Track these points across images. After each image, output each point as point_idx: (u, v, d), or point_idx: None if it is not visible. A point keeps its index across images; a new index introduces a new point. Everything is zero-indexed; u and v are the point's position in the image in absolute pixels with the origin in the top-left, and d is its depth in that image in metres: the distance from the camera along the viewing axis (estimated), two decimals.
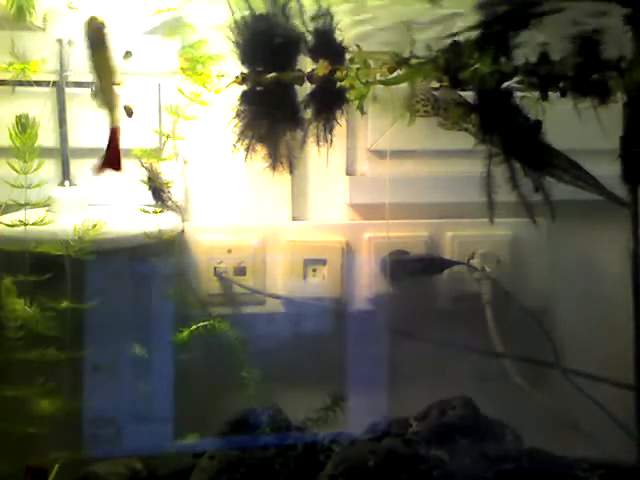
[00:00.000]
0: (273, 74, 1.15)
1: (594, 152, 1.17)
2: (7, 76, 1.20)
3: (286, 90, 1.17)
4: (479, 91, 1.10)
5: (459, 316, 1.38)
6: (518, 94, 1.11)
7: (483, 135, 1.10)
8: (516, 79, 1.10)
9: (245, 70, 1.17)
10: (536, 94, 1.09)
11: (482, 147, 1.11)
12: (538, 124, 1.10)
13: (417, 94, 1.12)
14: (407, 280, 1.37)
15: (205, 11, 1.20)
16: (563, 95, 1.09)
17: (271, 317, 1.37)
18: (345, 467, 1.09)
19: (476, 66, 1.08)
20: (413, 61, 1.11)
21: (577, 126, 1.10)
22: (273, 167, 1.20)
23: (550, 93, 1.10)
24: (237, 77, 1.17)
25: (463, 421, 1.18)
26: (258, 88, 1.17)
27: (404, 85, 1.14)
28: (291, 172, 1.23)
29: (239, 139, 1.19)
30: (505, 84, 1.10)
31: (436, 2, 1.07)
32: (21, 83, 1.21)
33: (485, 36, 1.07)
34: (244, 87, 1.18)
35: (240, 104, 1.18)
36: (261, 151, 1.19)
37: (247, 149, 1.19)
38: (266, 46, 1.14)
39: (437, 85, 1.13)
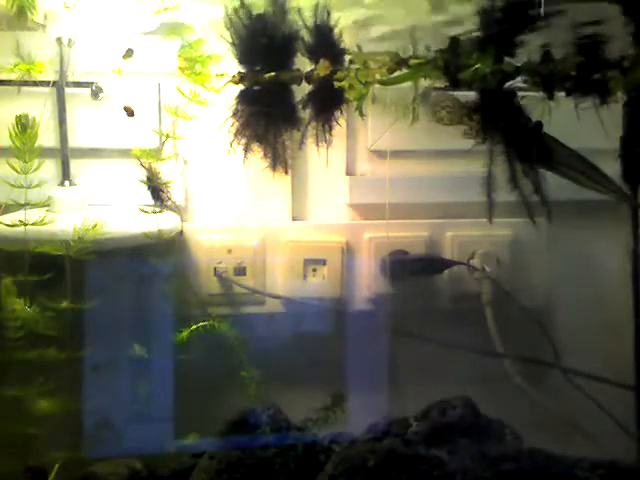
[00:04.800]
0: (270, 74, 1.15)
1: (594, 152, 1.17)
2: (9, 76, 1.20)
3: (283, 90, 1.17)
4: (481, 91, 1.10)
5: (459, 316, 1.38)
6: (519, 94, 1.11)
7: (484, 135, 1.10)
8: (519, 79, 1.10)
9: (242, 69, 1.17)
10: (540, 94, 1.09)
11: (482, 147, 1.11)
12: (539, 124, 1.10)
13: (441, 101, 1.12)
14: (407, 280, 1.37)
15: (204, 10, 1.20)
16: (568, 94, 1.09)
17: (271, 317, 1.37)
18: (345, 467, 1.09)
19: (476, 66, 1.08)
20: (413, 62, 1.11)
21: (577, 126, 1.10)
22: (273, 167, 1.20)
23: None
24: (233, 76, 1.17)
25: (463, 421, 1.18)
26: (255, 87, 1.17)
27: (404, 85, 1.14)
28: (286, 172, 1.22)
29: (235, 139, 1.19)
30: (507, 84, 1.10)
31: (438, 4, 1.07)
32: (21, 83, 1.21)
33: (486, 36, 1.07)
34: (242, 86, 1.18)
35: (237, 103, 1.18)
36: (258, 151, 1.19)
37: (244, 149, 1.19)
38: (263, 45, 1.14)
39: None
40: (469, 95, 1.12)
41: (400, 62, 1.12)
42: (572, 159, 1.15)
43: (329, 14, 1.14)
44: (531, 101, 1.11)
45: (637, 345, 1.24)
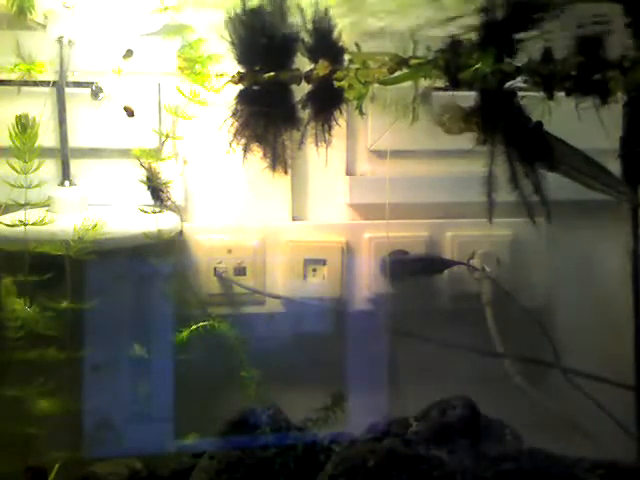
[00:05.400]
0: (270, 73, 1.15)
1: (594, 152, 1.17)
2: (9, 76, 1.20)
3: (283, 90, 1.17)
4: (482, 91, 1.10)
5: (459, 316, 1.38)
6: (519, 94, 1.11)
7: (485, 135, 1.10)
8: (519, 79, 1.09)
9: (242, 69, 1.16)
10: (540, 94, 1.09)
11: (482, 147, 1.11)
12: (539, 124, 1.10)
13: (447, 111, 1.12)
14: (407, 280, 1.37)
15: (204, 10, 1.20)
16: (569, 94, 1.09)
17: (271, 317, 1.37)
18: (345, 467, 1.09)
19: (477, 66, 1.08)
20: (413, 61, 1.11)
21: (576, 126, 1.10)
22: (272, 167, 1.20)
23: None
24: (233, 76, 1.17)
25: (463, 421, 1.18)
26: (254, 87, 1.17)
27: (404, 85, 1.14)
28: (286, 172, 1.22)
29: (235, 139, 1.19)
30: (507, 84, 1.09)
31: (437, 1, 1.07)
32: (21, 83, 1.21)
33: (487, 36, 1.07)
34: (241, 86, 1.18)
35: (236, 103, 1.18)
36: (258, 151, 1.19)
37: (244, 149, 1.19)
38: (263, 45, 1.14)
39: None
40: (470, 96, 1.12)
41: (400, 62, 1.12)
42: (577, 159, 1.15)
43: (329, 14, 1.14)
44: (531, 101, 1.11)
45: (637, 345, 1.24)
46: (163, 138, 1.28)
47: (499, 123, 1.10)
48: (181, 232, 1.32)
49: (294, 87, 1.18)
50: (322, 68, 1.14)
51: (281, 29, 1.13)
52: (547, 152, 1.11)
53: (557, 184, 1.13)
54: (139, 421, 1.24)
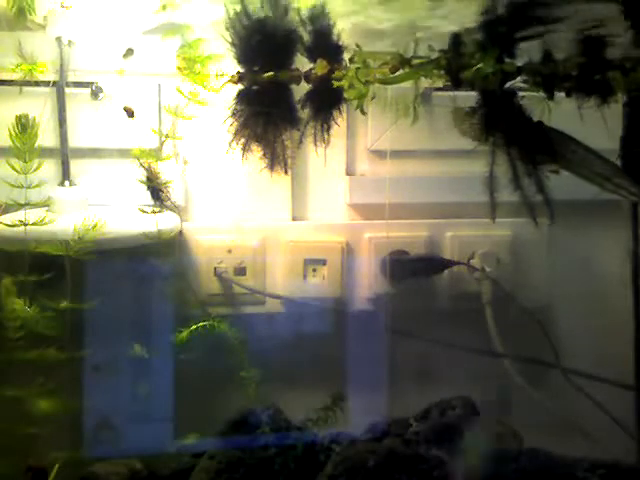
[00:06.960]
0: (269, 73, 1.15)
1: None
2: (9, 76, 1.20)
3: (282, 89, 1.17)
4: (483, 91, 1.09)
5: (459, 316, 1.38)
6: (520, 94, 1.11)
7: (486, 134, 1.10)
8: (520, 79, 1.09)
9: (242, 69, 1.16)
10: (541, 94, 1.09)
11: (482, 147, 1.11)
12: (540, 124, 1.10)
13: (465, 118, 1.12)
14: (407, 280, 1.37)
15: (203, 10, 1.20)
16: (568, 95, 1.09)
17: (271, 317, 1.37)
18: (345, 467, 1.09)
19: (479, 66, 1.07)
20: (415, 61, 1.11)
21: (576, 126, 1.10)
22: (271, 167, 1.20)
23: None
24: (232, 76, 1.17)
25: (463, 421, 1.18)
26: (254, 87, 1.17)
27: (405, 85, 1.14)
28: (286, 172, 1.22)
29: (234, 138, 1.19)
30: (508, 84, 1.09)
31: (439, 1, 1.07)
32: (22, 83, 1.21)
33: (489, 36, 1.07)
34: (240, 86, 1.18)
35: (236, 103, 1.18)
36: (257, 151, 1.19)
37: (243, 149, 1.19)
38: (262, 45, 1.14)
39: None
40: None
41: (403, 61, 1.12)
42: (590, 158, 1.14)
43: (328, 14, 1.14)
44: (530, 101, 1.11)
45: (637, 345, 1.25)
46: (163, 138, 1.28)
47: (501, 123, 1.10)
48: (181, 232, 1.32)
49: (294, 87, 1.18)
50: (321, 67, 1.14)
51: (280, 29, 1.13)
52: (550, 152, 1.11)
53: (557, 184, 1.13)
54: (139, 421, 1.24)
